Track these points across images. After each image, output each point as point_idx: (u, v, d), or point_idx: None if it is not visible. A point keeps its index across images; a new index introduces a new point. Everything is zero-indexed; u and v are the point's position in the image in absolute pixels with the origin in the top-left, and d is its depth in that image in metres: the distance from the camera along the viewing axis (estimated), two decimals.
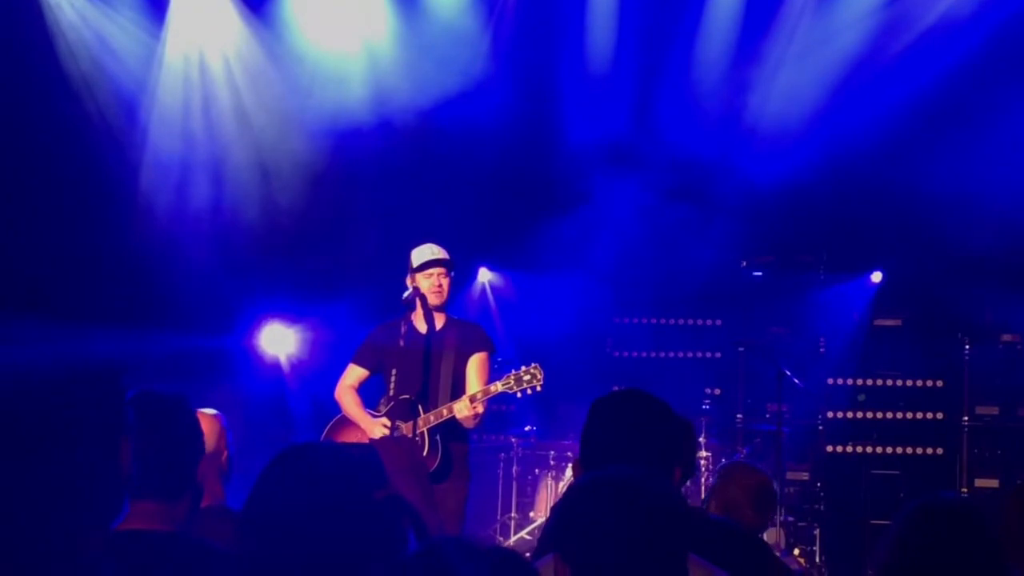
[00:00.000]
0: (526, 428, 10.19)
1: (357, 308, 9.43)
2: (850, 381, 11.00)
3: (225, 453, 4.44)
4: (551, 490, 9.78)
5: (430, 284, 7.02)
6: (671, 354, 11.34)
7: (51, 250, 9.54)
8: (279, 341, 10.52)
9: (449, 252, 7.18)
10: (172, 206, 10.31)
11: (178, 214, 10.33)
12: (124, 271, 9.97)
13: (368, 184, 10.75)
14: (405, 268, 7.17)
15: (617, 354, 11.36)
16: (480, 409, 6.81)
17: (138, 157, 10.21)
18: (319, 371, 9.67)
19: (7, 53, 9.55)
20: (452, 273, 7.16)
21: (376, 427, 6.95)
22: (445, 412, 6.84)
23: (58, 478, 1.67)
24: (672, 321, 11.45)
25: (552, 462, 9.91)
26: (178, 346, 9.84)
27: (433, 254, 7.09)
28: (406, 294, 7.05)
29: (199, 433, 3.33)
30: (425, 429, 6.84)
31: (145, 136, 10.24)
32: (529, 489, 10.18)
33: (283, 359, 10.50)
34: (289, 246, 10.52)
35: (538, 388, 6.86)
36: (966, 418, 10.59)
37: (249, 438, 8.60)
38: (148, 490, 3.13)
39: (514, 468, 10.17)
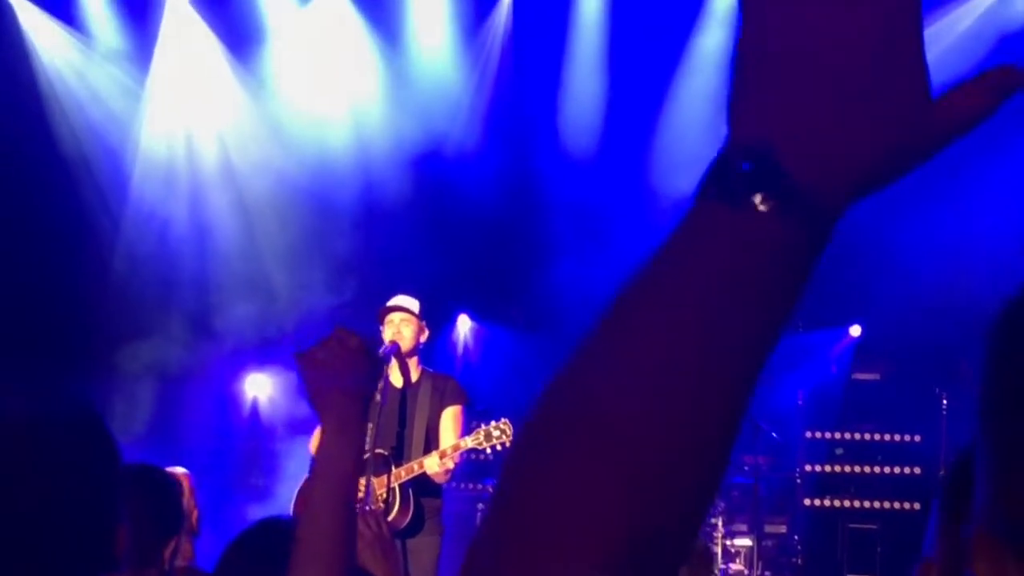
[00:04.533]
0: None
1: None
2: (828, 434, 11.00)
3: (195, 512, 4.46)
4: None
5: (391, 332, 6.91)
6: None
7: (34, 294, 9.57)
8: (260, 388, 10.53)
9: (422, 301, 7.03)
10: (155, 251, 10.38)
11: (161, 257, 10.40)
12: (106, 313, 10.00)
13: (353, 232, 10.80)
14: None
15: None
16: (450, 465, 6.69)
17: (121, 204, 10.30)
18: (297, 421, 9.65)
19: None
20: (421, 321, 6.99)
21: None
22: (416, 467, 6.71)
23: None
24: None
25: None
26: (159, 389, 9.85)
27: (391, 302, 6.99)
28: (381, 349, 6.99)
29: (180, 513, 3.31)
30: (396, 484, 6.71)
31: (128, 183, 10.33)
32: None
33: (262, 406, 10.50)
34: (270, 293, 10.55)
35: (507, 444, 6.68)
36: (943, 473, 10.56)
37: (225, 486, 8.63)
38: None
39: None
